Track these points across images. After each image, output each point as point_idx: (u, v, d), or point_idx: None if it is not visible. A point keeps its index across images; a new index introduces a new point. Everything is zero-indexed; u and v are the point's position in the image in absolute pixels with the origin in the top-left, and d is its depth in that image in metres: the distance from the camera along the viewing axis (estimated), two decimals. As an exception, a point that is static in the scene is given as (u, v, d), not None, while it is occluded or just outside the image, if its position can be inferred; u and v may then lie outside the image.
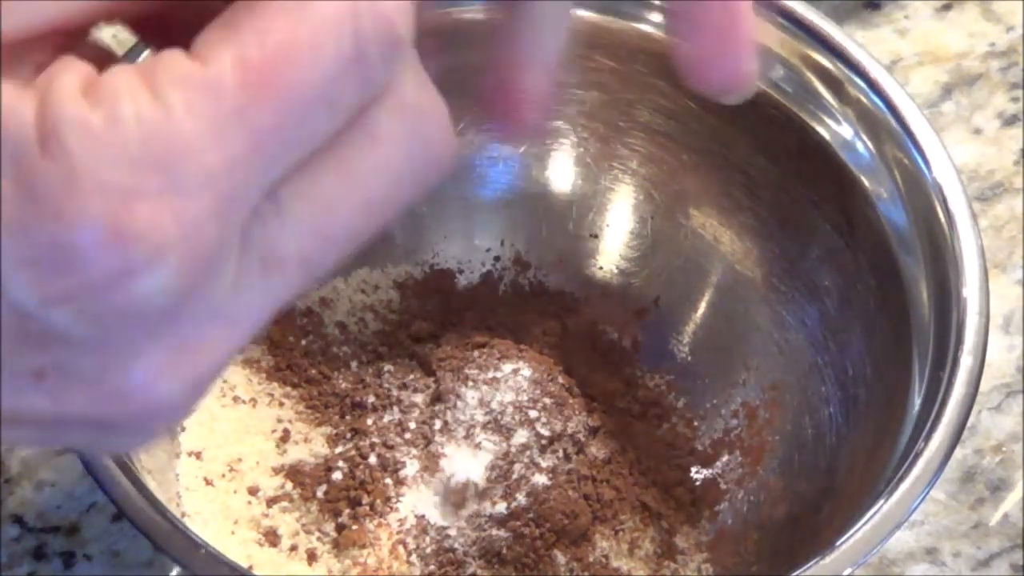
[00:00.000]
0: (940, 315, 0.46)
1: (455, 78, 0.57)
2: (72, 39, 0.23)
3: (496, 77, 0.35)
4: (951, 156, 0.48)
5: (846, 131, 0.50)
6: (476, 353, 0.53)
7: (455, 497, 0.49)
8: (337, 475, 0.50)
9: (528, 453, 0.50)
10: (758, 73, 0.33)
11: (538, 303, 0.57)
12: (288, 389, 0.53)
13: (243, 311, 0.25)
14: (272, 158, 0.23)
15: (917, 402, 0.45)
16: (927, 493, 0.41)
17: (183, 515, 0.48)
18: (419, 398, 0.52)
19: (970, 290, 0.45)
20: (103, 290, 0.22)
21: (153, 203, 0.22)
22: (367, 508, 0.49)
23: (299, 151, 0.23)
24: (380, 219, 0.26)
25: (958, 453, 0.53)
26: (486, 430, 0.50)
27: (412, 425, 0.51)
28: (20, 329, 0.22)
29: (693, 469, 0.53)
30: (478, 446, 0.50)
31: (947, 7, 0.71)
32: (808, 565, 0.40)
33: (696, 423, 0.54)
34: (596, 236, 0.57)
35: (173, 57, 0.22)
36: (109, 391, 0.24)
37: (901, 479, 0.41)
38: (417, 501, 0.49)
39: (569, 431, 0.50)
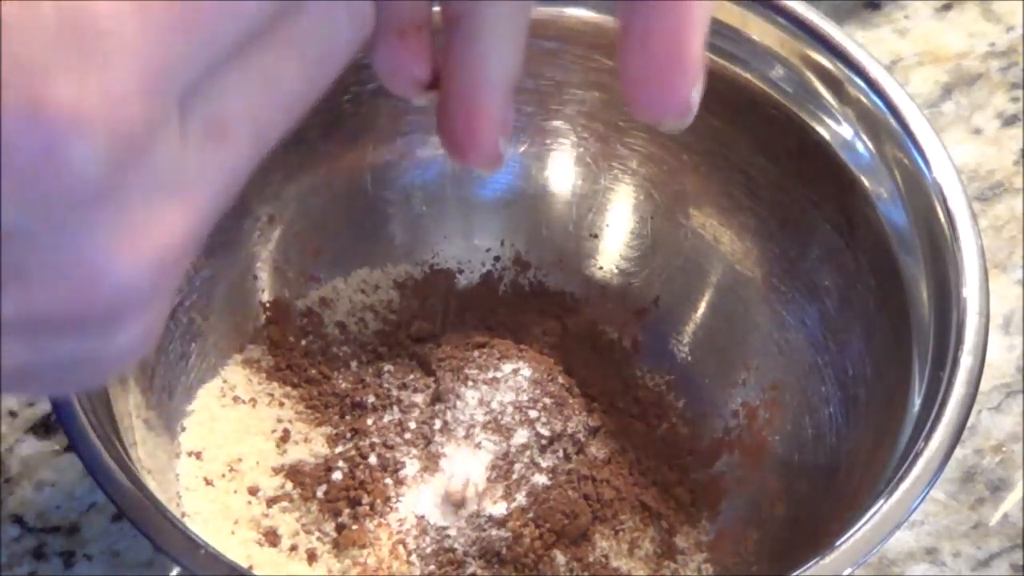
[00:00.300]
0: (940, 315, 0.46)
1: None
2: None
3: (448, 97, 0.31)
4: (951, 156, 0.48)
5: (846, 131, 0.50)
6: (476, 353, 0.53)
7: (455, 497, 0.49)
8: (337, 475, 0.50)
9: (528, 453, 0.50)
10: (697, 102, 0.30)
11: (538, 303, 0.57)
12: (288, 389, 0.53)
13: (196, 183, 0.24)
14: (203, 29, 0.23)
15: (917, 402, 0.45)
16: (927, 493, 0.41)
17: (183, 515, 0.48)
18: (419, 398, 0.52)
19: (970, 290, 0.45)
20: (35, 173, 0.22)
21: (74, 78, 0.21)
22: (367, 508, 0.49)
23: (234, 24, 0.23)
24: (322, 81, 0.26)
25: (958, 453, 0.53)
26: (486, 430, 0.50)
27: (412, 425, 0.51)
28: None
29: (693, 469, 0.53)
30: (478, 446, 0.50)
31: (947, 7, 0.71)
32: (808, 565, 0.40)
33: (696, 423, 0.54)
34: (596, 236, 0.57)
35: None
36: (70, 282, 0.23)
37: (901, 479, 0.41)
38: (417, 501, 0.49)
39: (569, 431, 0.50)
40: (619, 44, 0.30)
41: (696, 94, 0.30)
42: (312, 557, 0.48)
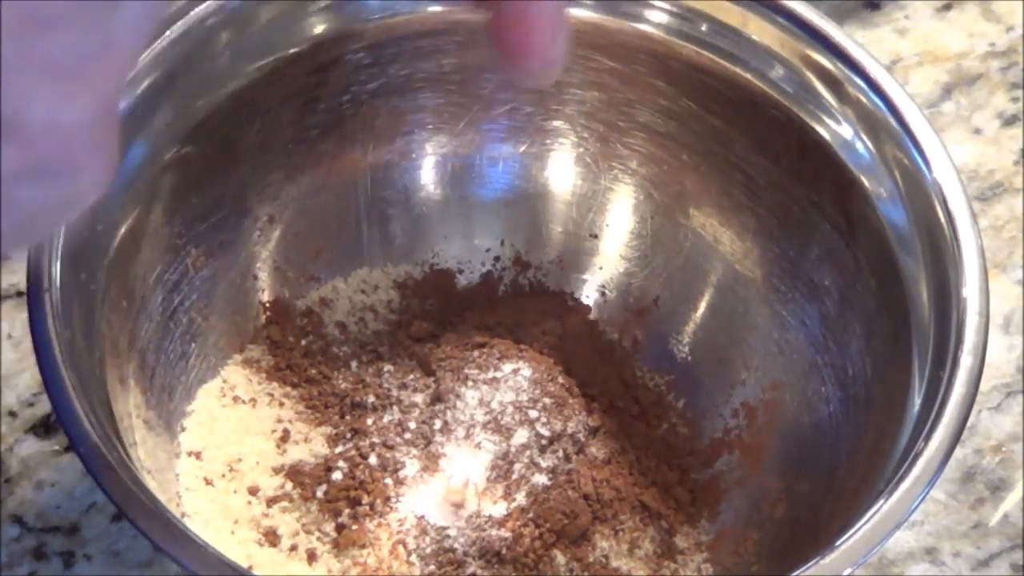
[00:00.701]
0: (940, 315, 0.46)
1: (455, 78, 0.57)
2: None
3: (499, 8, 0.32)
4: (951, 156, 0.48)
5: (846, 131, 0.50)
6: (476, 353, 0.53)
7: (455, 497, 0.49)
8: (337, 475, 0.50)
9: (528, 453, 0.50)
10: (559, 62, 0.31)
11: (538, 303, 0.57)
12: (288, 389, 0.53)
13: (119, 31, 0.27)
14: None
15: (917, 402, 0.45)
16: (927, 493, 0.41)
17: (183, 515, 0.48)
18: (419, 398, 0.52)
19: (970, 290, 0.45)
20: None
21: None
22: (367, 508, 0.49)
23: None
24: None
25: (958, 453, 0.53)
26: (486, 430, 0.50)
27: (412, 425, 0.51)
28: None
29: (693, 469, 0.53)
30: (478, 446, 0.50)
31: (947, 7, 0.71)
32: (808, 565, 0.40)
33: (696, 423, 0.54)
34: (596, 236, 0.57)
35: None
36: (24, 137, 0.26)
37: (901, 479, 0.41)
38: (417, 501, 0.50)
39: (569, 431, 0.50)
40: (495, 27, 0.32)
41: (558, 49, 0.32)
42: (312, 557, 0.48)
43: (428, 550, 0.48)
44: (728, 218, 0.55)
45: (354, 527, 0.49)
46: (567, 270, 0.58)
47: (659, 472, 0.52)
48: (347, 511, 0.49)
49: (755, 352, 0.54)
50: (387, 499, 0.49)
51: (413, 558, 0.48)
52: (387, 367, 0.54)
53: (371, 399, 0.52)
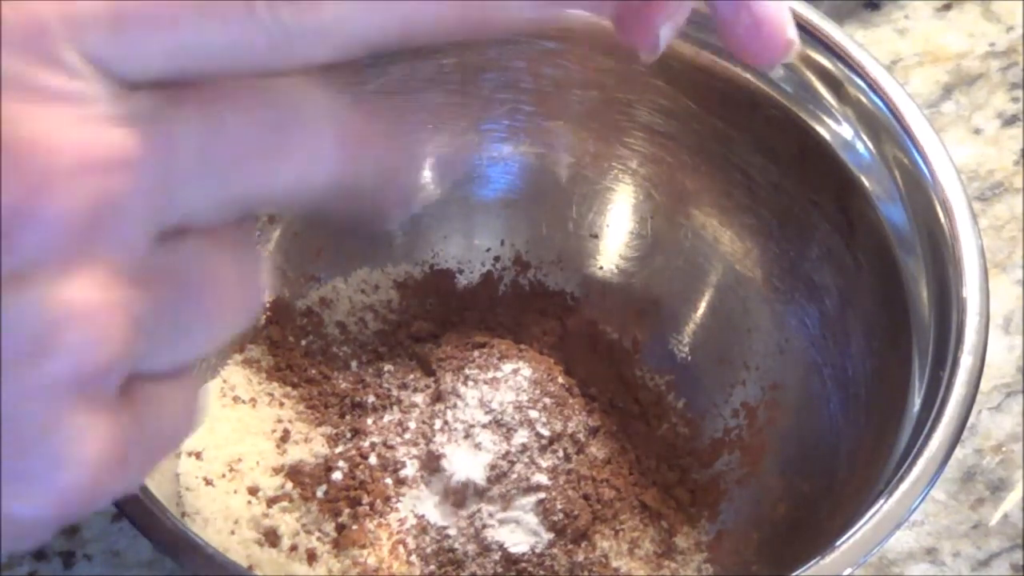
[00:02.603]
0: (940, 315, 0.46)
1: (455, 78, 0.57)
2: None
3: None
4: (951, 156, 0.48)
5: (846, 131, 0.50)
6: (476, 353, 0.53)
7: (455, 497, 0.49)
8: (337, 475, 0.50)
9: (528, 453, 0.50)
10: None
11: (538, 303, 0.57)
12: (288, 389, 0.53)
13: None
14: None
15: (917, 402, 0.45)
16: (927, 493, 0.41)
17: (183, 515, 0.48)
18: (419, 398, 0.52)
19: (970, 290, 0.45)
20: None
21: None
22: (367, 508, 0.49)
23: None
24: None
25: (958, 453, 0.53)
26: (486, 430, 0.50)
27: (412, 425, 0.51)
28: None
29: (693, 469, 0.53)
30: (478, 446, 0.50)
31: (947, 7, 0.71)
32: (808, 565, 0.40)
33: (696, 423, 0.54)
34: (596, 236, 0.57)
35: None
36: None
37: (901, 479, 0.41)
38: (417, 501, 0.50)
39: (569, 431, 0.50)
40: (730, 33, 0.35)
41: (793, 32, 0.35)
42: (312, 557, 0.48)
43: (428, 550, 0.48)
44: (728, 218, 0.55)
45: (354, 527, 0.49)
46: (567, 270, 0.58)
47: (659, 472, 0.52)
48: (347, 511, 0.49)
49: (755, 352, 0.54)
50: (387, 499, 0.49)
51: (413, 558, 0.48)
52: (387, 367, 0.54)
53: (371, 399, 0.52)
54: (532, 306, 0.57)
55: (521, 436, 0.50)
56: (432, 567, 0.48)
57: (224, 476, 0.50)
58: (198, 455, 0.50)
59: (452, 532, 0.49)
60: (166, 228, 0.25)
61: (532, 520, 0.49)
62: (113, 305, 0.24)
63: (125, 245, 0.24)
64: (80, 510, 0.26)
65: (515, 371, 0.51)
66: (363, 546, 0.48)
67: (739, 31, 0.35)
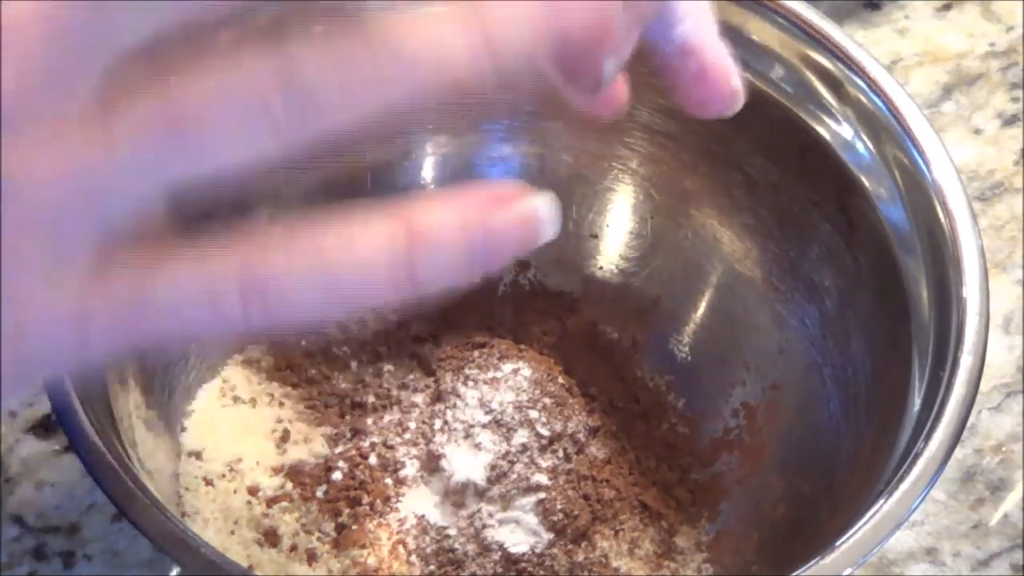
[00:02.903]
0: (940, 315, 0.46)
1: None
2: None
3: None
4: (951, 156, 0.48)
5: (846, 131, 0.50)
6: (476, 353, 0.53)
7: (455, 497, 0.49)
8: (337, 475, 0.50)
9: (528, 453, 0.50)
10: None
11: (538, 303, 0.57)
12: (288, 389, 0.53)
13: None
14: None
15: (917, 402, 0.45)
16: (927, 493, 0.41)
17: (183, 515, 0.48)
18: (419, 398, 0.52)
19: (970, 290, 0.45)
20: None
21: None
22: (367, 508, 0.49)
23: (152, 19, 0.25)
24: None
25: (958, 453, 0.53)
26: (486, 430, 0.50)
27: (412, 425, 0.51)
28: None
29: (693, 469, 0.53)
30: (478, 446, 0.50)
31: (947, 7, 0.71)
32: (808, 565, 0.40)
33: (696, 423, 0.54)
34: (596, 236, 0.57)
35: None
36: None
37: (901, 479, 0.41)
38: (417, 501, 0.50)
39: (569, 431, 0.50)
40: (676, 82, 0.37)
41: (737, 82, 0.37)
42: (312, 557, 0.48)
43: (428, 550, 0.48)
44: (728, 218, 0.55)
45: (354, 527, 0.49)
46: (567, 270, 0.58)
47: (659, 472, 0.52)
48: (347, 511, 0.49)
49: (755, 352, 0.54)
50: (387, 499, 0.49)
51: (413, 558, 0.48)
52: (387, 367, 0.54)
53: (371, 399, 0.52)
54: (532, 306, 0.57)
55: (521, 436, 0.50)
56: (432, 567, 0.48)
57: (224, 476, 0.50)
58: (198, 455, 0.50)
59: (452, 532, 0.49)
60: None
61: (532, 520, 0.49)
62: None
63: None
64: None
65: (515, 371, 0.51)
66: (363, 546, 0.48)
67: (686, 79, 0.36)
